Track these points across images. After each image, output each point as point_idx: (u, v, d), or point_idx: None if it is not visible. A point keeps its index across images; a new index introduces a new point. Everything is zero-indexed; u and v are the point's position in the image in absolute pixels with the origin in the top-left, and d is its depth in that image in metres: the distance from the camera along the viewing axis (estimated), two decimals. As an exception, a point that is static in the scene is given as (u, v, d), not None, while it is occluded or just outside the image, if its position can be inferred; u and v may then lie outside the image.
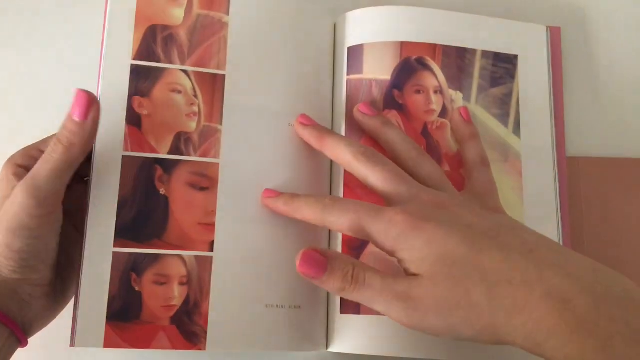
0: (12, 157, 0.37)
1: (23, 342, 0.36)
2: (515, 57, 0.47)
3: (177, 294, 0.39)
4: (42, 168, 0.35)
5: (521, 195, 0.44)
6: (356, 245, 0.43)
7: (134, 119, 0.41)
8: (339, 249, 0.43)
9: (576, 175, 0.48)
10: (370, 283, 0.32)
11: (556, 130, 0.47)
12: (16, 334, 0.35)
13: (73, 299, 0.39)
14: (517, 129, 0.46)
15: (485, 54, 0.47)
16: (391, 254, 0.33)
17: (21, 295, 0.36)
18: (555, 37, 0.49)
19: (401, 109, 0.45)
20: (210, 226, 0.40)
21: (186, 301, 0.39)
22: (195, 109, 0.42)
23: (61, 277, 0.39)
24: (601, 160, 0.49)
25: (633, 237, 0.47)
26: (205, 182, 0.41)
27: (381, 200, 0.38)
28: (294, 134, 0.43)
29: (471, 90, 0.46)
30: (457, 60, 0.46)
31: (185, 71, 0.42)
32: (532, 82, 0.47)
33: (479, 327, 0.30)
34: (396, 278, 0.32)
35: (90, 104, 0.36)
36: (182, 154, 0.41)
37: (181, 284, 0.39)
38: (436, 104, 0.45)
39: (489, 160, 0.43)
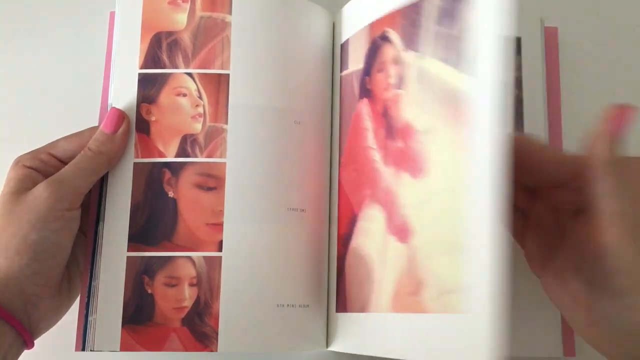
0: (20, 158, 0.39)
1: (29, 344, 0.37)
2: None
3: (187, 295, 0.39)
4: (70, 168, 0.39)
5: None
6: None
7: (142, 126, 0.42)
8: (334, 244, 0.42)
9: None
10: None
11: (552, 130, 0.43)
12: (22, 336, 0.36)
13: (78, 302, 0.40)
14: None
15: None
16: None
17: (28, 296, 0.36)
18: (551, 37, 0.44)
19: (369, 94, 0.42)
20: (218, 226, 0.40)
21: (197, 302, 0.39)
22: (200, 110, 0.42)
23: (68, 278, 0.40)
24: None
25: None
26: (212, 182, 0.41)
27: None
28: (299, 132, 0.42)
29: (426, 43, 0.37)
30: (412, 15, 0.38)
31: (189, 74, 0.42)
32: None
33: None
34: None
35: (120, 120, 0.41)
36: (188, 156, 0.41)
37: (191, 285, 0.39)
38: (394, 76, 0.39)
39: None
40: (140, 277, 0.39)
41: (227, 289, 0.39)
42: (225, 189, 0.40)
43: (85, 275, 0.40)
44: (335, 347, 0.40)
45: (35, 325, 0.37)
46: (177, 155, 0.41)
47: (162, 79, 0.42)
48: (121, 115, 0.41)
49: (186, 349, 0.39)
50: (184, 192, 0.41)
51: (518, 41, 0.43)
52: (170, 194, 0.41)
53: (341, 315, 0.40)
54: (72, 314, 0.40)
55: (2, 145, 0.48)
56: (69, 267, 0.40)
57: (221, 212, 0.40)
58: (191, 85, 0.42)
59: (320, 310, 0.41)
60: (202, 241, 0.40)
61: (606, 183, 0.31)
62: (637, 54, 0.49)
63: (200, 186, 0.41)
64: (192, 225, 0.40)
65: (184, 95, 0.42)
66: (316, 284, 0.41)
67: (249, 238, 0.40)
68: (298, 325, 0.40)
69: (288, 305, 0.39)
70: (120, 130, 0.41)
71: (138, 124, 0.42)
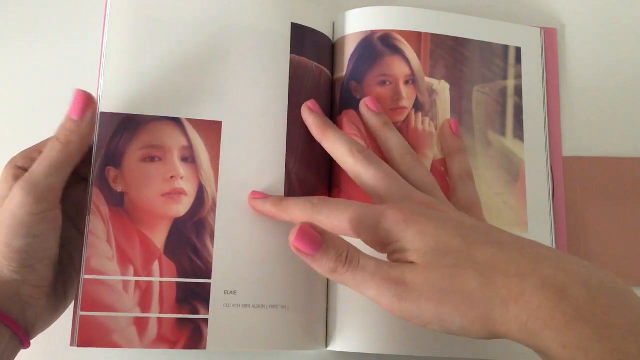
0: (13, 159, 0.38)
1: (25, 344, 0.36)
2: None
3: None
4: (40, 165, 0.36)
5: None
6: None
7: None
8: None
9: (573, 175, 0.45)
10: (364, 265, 0.31)
11: (552, 131, 0.43)
12: (18, 336, 0.36)
13: (74, 300, 0.39)
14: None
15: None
16: (382, 247, 0.33)
17: (22, 297, 0.36)
18: (550, 38, 0.44)
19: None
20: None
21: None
22: None
23: (63, 278, 0.39)
24: (598, 160, 0.47)
25: (629, 235, 0.46)
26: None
27: (371, 202, 0.37)
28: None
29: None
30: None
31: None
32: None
33: (472, 316, 0.29)
34: (390, 264, 0.31)
35: (88, 103, 0.37)
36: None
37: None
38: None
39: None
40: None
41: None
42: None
43: (81, 272, 0.38)
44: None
45: (32, 325, 0.37)
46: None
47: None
48: (88, 99, 0.38)
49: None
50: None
51: (518, 51, 0.43)
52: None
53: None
54: (67, 311, 0.39)
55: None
56: (64, 267, 0.39)
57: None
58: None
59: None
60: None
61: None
62: (638, 54, 0.50)
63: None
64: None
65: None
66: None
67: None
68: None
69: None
70: (88, 115, 0.37)
71: None
